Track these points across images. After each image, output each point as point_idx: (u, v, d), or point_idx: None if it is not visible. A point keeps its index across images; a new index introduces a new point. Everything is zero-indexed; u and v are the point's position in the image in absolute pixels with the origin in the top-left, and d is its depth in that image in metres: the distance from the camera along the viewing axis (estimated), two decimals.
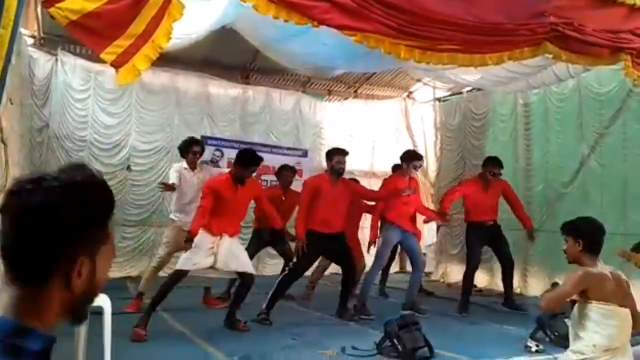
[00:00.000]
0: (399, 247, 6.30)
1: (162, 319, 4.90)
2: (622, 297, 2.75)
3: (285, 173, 6.43)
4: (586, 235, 2.89)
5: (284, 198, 6.18)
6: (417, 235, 5.92)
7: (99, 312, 3.30)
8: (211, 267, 4.64)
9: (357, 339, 4.29)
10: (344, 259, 5.41)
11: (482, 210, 6.00)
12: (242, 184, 4.69)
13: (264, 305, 5.07)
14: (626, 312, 2.73)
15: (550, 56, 4.39)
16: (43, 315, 0.89)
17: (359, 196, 5.79)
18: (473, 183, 6.18)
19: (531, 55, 4.25)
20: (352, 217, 5.98)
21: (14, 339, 0.83)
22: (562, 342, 4.02)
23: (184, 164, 5.53)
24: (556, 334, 4.16)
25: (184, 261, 4.52)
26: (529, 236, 6.14)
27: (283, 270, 5.80)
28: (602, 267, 2.82)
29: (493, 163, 6.04)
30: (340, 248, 5.32)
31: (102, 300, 3.30)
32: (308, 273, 6.08)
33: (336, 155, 5.37)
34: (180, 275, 4.51)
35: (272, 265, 8.13)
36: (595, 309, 2.70)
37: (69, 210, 0.87)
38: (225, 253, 4.61)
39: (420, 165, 5.97)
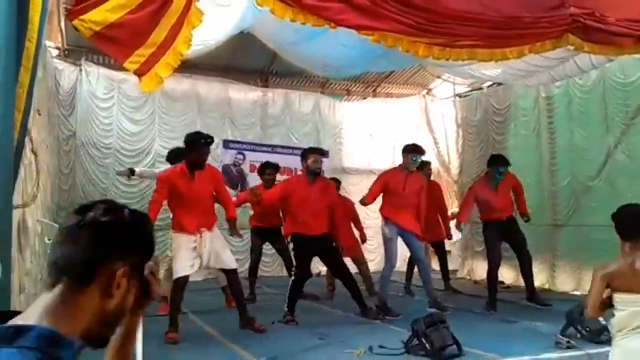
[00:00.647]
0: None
1: (191, 321, 4.98)
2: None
3: (269, 171, 6.29)
4: (617, 222, 2.84)
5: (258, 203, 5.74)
6: (417, 232, 5.61)
7: None
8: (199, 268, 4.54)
9: (384, 338, 4.29)
10: (331, 261, 5.38)
11: (495, 209, 5.94)
12: (201, 169, 4.43)
13: (285, 308, 5.09)
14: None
15: (572, 48, 4.33)
16: (77, 320, 0.95)
17: (331, 201, 5.44)
18: (481, 184, 6.10)
19: (553, 48, 4.19)
20: (344, 217, 5.93)
21: (53, 349, 0.88)
22: (594, 338, 3.97)
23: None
24: (588, 329, 4.08)
25: (179, 268, 4.40)
26: (524, 218, 6.06)
27: (288, 270, 5.85)
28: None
29: (498, 162, 5.95)
30: (326, 250, 5.23)
31: None
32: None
33: (312, 155, 5.23)
34: (183, 283, 4.44)
35: (267, 263, 8.13)
36: (616, 298, 2.66)
37: (118, 227, 1.01)
38: (208, 251, 4.47)
39: (420, 161, 5.84)
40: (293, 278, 5.22)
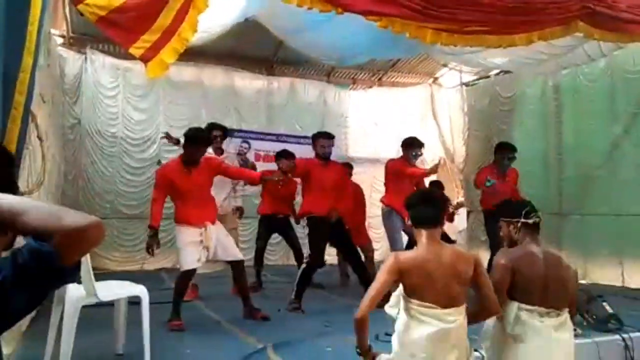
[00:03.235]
0: None
1: (197, 308, 5.00)
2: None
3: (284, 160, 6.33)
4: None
5: (281, 185, 5.84)
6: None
7: (137, 302, 3.39)
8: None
9: (389, 326, 4.29)
10: (344, 244, 5.39)
11: (500, 197, 5.89)
12: (196, 165, 4.40)
13: (292, 296, 5.09)
14: None
15: (581, 35, 4.28)
16: None
17: (343, 185, 5.55)
18: (490, 169, 6.05)
19: (562, 35, 4.15)
20: (359, 204, 5.93)
21: None
22: (601, 326, 3.96)
23: (210, 150, 5.54)
24: (594, 317, 4.07)
25: (186, 261, 4.38)
26: None
27: (298, 261, 5.87)
28: None
29: (508, 147, 5.93)
30: (340, 232, 5.27)
31: (140, 291, 3.40)
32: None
33: (318, 139, 5.32)
34: (189, 275, 4.46)
35: (272, 252, 8.12)
36: None
37: None
38: (215, 244, 4.45)
39: (421, 154, 5.83)
40: (304, 266, 5.23)
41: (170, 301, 4.41)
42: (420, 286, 2.29)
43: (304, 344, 3.93)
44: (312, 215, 5.17)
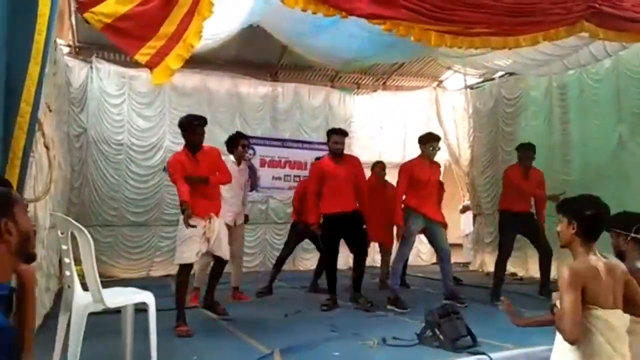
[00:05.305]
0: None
1: (203, 313, 4.99)
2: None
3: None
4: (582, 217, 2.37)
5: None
6: (443, 223, 5.66)
7: (144, 309, 3.38)
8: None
9: (396, 329, 4.27)
10: (353, 237, 5.39)
11: (522, 196, 5.88)
12: (199, 149, 4.52)
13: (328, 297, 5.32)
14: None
15: (587, 35, 4.26)
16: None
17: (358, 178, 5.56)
18: (513, 170, 6.02)
19: (567, 35, 4.13)
20: (384, 200, 5.98)
21: None
22: None
23: (232, 158, 5.62)
24: None
25: (182, 257, 4.40)
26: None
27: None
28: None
29: (530, 147, 5.94)
30: (354, 225, 5.30)
31: (147, 297, 3.39)
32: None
33: (332, 136, 5.47)
34: (187, 270, 4.46)
35: (307, 260, 8.24)
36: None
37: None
38: (215, 238, 4.51)
39: (439, 148, 5.79)
40: (321, 262, 5.35)
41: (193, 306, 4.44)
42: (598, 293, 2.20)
43: (311, 349, 3.91)
44: (325, 215, 5.32)
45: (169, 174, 4.66)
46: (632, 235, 2.81)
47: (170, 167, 4.59)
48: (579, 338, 2.14)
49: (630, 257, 2.79)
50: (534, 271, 7.17)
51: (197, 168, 4.49)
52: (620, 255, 2.83)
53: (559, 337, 2.29)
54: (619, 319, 2.23)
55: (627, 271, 2.34)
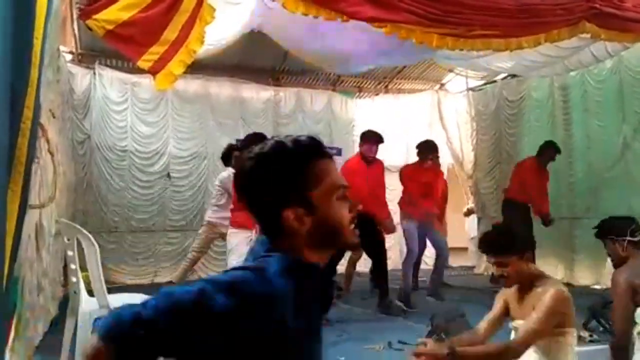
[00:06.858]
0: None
1: None
2: None
3: None
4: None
5: None
6: (437, 224, 5.80)
7: None
8: None
9: (402, 333, 4.26)
10: (370, 240, 5.22)
11: (537, 194, 5.95)
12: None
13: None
14: None
15: (588, 35, 4.26)
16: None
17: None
18: (532, 165, 6.13)
19: (569, 36, 4.13)
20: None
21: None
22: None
23: (231, 170, 5.62)
24: (611, 323, 4.01)
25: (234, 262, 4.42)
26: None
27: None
28: None
29: (555, 148, 6.05)
30: (371, 226, 5.14)
31: None
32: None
33: (364, 142, 5.44)
34: None
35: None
36: None
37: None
38: None
39: (438, 157, 5.90)
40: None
41: None
42: None
43: None
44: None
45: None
46: (628, 239, 2.72)
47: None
48: None
49: (635, 261, 2.71)
50: None
51: None
52: (621, 263, 2.76)
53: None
54: None
55: None
